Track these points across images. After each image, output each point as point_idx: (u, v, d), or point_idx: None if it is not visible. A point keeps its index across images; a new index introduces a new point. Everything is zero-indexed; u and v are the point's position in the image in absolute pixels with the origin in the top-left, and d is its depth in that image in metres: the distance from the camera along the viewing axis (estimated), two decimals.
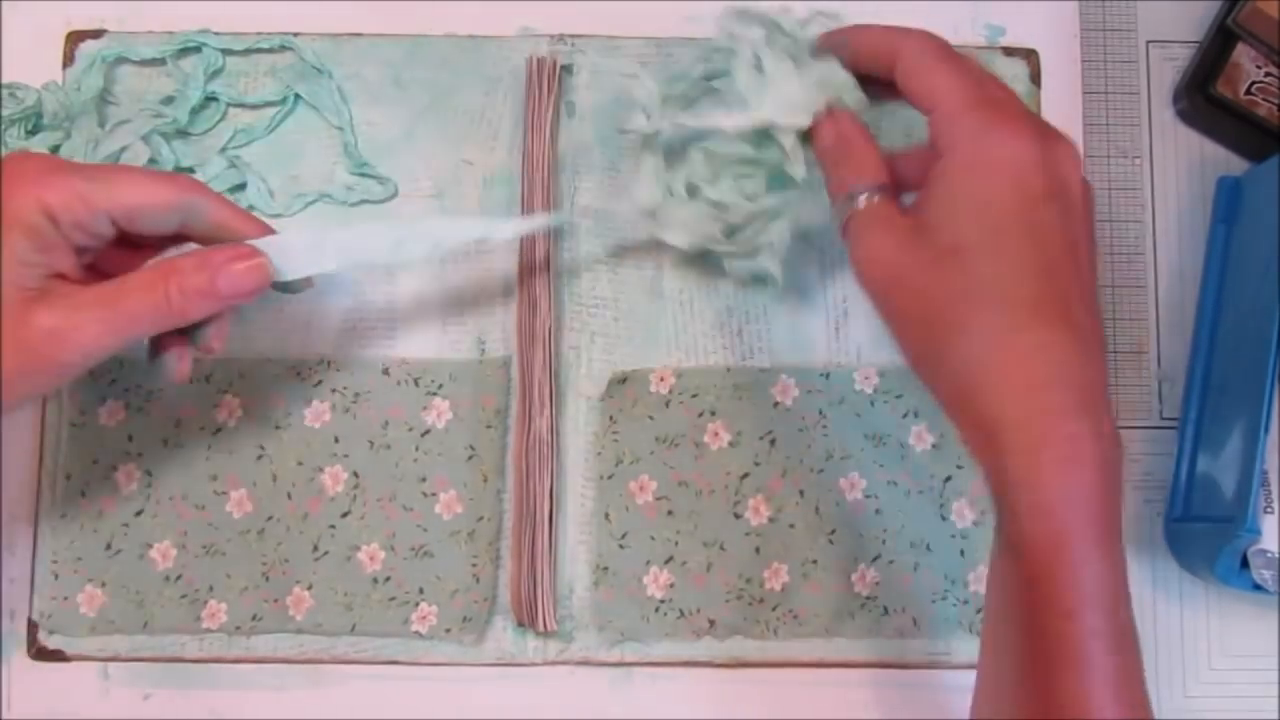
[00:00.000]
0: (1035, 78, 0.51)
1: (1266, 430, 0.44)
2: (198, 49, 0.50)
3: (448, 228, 0.45)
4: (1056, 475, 0.35)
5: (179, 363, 0.41)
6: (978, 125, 0.37)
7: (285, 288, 0.43)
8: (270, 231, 0.42)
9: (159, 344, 0.42)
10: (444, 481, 0.48)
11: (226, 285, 0.39)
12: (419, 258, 0.44)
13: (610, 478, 0.48)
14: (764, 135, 0.43)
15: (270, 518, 0.48)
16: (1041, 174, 0.37)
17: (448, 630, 0.47)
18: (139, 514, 0.48)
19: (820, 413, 0.49)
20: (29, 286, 0.37)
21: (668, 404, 0.49)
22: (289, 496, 0.48)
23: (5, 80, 0.49)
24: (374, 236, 0.43)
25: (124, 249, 0.41)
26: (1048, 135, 0.38)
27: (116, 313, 0.37)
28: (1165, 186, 0.52)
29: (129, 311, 0.38)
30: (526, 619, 0.47)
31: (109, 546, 0.47)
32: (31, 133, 0.48)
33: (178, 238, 0.41)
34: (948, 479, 0.49)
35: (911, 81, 0.39)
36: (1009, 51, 0.51)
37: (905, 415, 0.49)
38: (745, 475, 0.48)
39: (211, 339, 0.42)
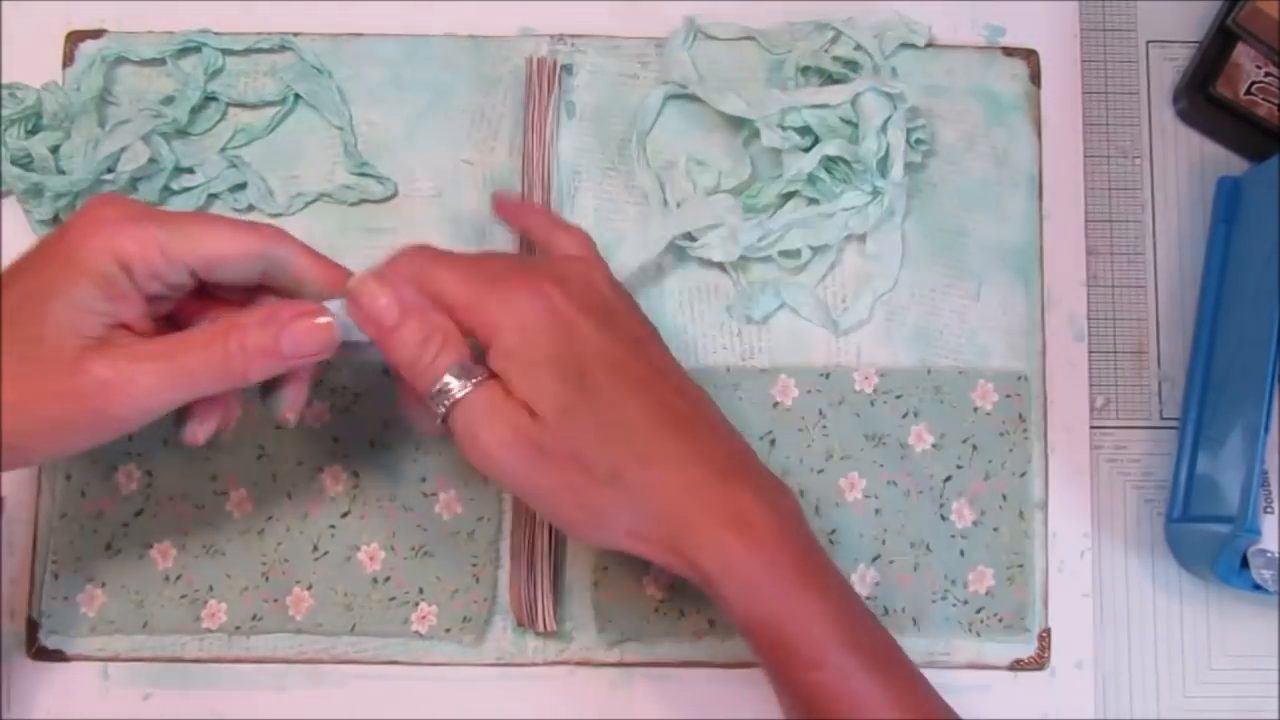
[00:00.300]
0: (1035, 78, 0.51)
1: (1266, 430, 0.44)
2: (198, 49, 0.50)
3: None
4: (742, 549, 0.37)
5: (200, 424, 0.39)
6: (496, 306, 0.38)
7: (269, 405, 0.40)
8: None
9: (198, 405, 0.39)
10: (444, 481, 0.48)
11: (290, 344, 0.37)
12: None
13: None
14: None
15: (270, 518, 0.48)
16: (574, 307, 0.38)
17: (448, 630, 0.47)
18: (139, 514, 0.48)
19: (820, 413, 0.49)
20: (90, 335, 0.35)
21: None
22: (289, 496, 0.48)
23: (5, 80, 0.49)
24: None
25: (204, 299, 0.39)
26: (557, 271, 0.40)
27: (174, 367, 0.35)
28: (1165, 186, 0.52)
29: (187, 367, 0.36)
30: (526, 619, 0.47)
31: (109, 546, 0.47)
32: (31, 133, 0.48)
33: (260, 288, 0.39)
34: (948, 479, 0.49)
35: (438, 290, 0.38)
36: (1009, 51, 0.51)
37: (905, 415, 0.49)
38: None
39: (285, 407, 0.40)
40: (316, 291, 0.38)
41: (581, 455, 0.37)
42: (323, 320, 0.37)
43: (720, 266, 0.49)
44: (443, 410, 0.37)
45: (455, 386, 0.37)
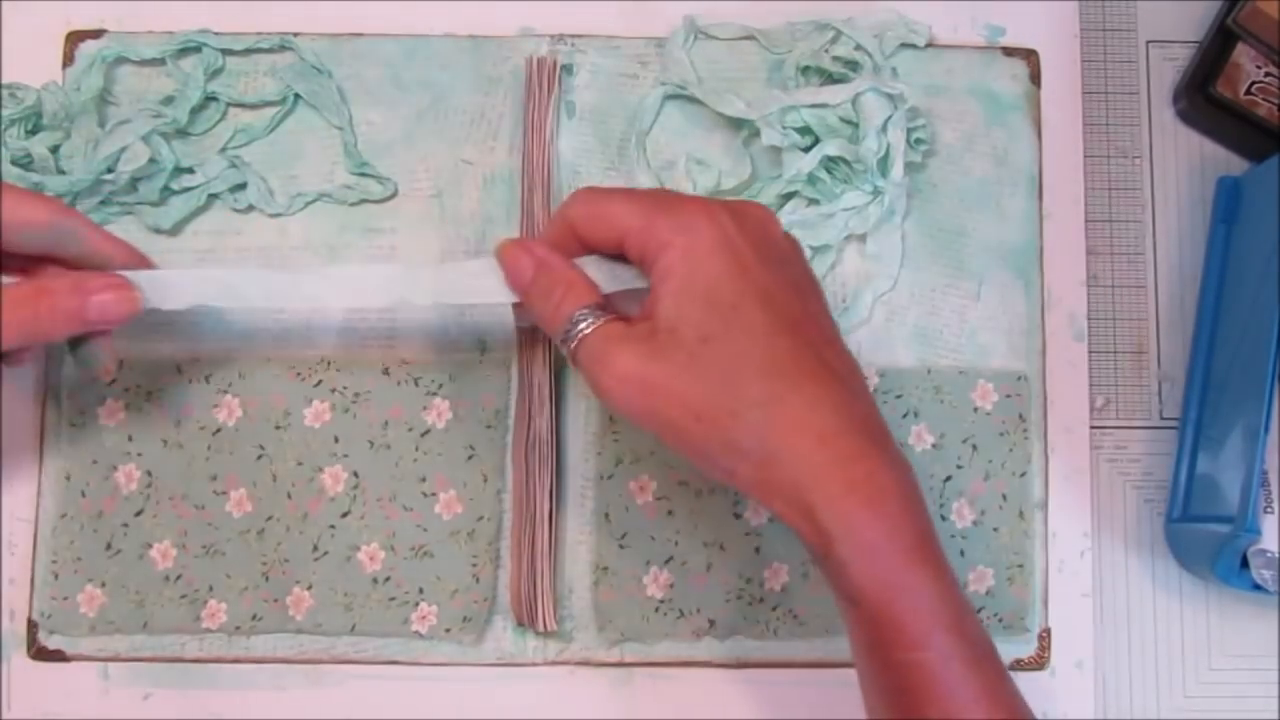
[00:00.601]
0: (1035, 78, 0.51)
1: (1266, 430, 0.44)
2: (198, 49, 0.50)
3: (343, 287, 0.43)
4: (868, 513, 0.36)
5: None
6: (669, 226, 0.38)
7: (82, 361, 0.43)
8: (145, 263, 0.43)
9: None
10: (444, 481, 0.48)
11: (96, 312, 0.41)
12: (324, 305, 0.44)
13: (610, 478, 0.48)
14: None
15: (270, 518, 0.48)
16: (746, 242, 0.38)
17: (448, 630, 0.47)
18: (139, 514, 0.48)
19: None
20: None
21: None
22: (289, 496, 0.48)
23: (5, 80, 0.49)
24: (255, 283, 0.43)
25: None
26: (734, 206, 0.39)
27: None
28: (1165, 186, 0.52)
29: (10, 336, 0.39)
30: (526, 619, 0.47)
31: (109, 546, 0.47)
32: (31, 133, 0.48)
33: (44, 259, 0.42)
34: (948, 479, 0.49)
35: (596, 232, 0.40)
36: (1009, 51, 0.51)
37: (905, 415, 0.49)
38: None
39: (103, 361, 0.44)
40: (108, 265, 0.42)
41: (712, 387, 0.37)
42: (128, 293, 0.41)
43: None
44: (568, 350, 0.39)
45: (580, 327, 0.39)
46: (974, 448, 0.49)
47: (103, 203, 0.49)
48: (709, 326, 0.37)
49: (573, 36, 0.51)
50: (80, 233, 0.41)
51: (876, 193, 0.49)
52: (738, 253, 0.38)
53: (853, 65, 0.50)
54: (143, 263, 0.43)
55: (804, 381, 0.37)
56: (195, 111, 0.50)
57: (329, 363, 0.49)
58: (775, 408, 0.36)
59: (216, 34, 0.50)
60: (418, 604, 0.47)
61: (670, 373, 0.37)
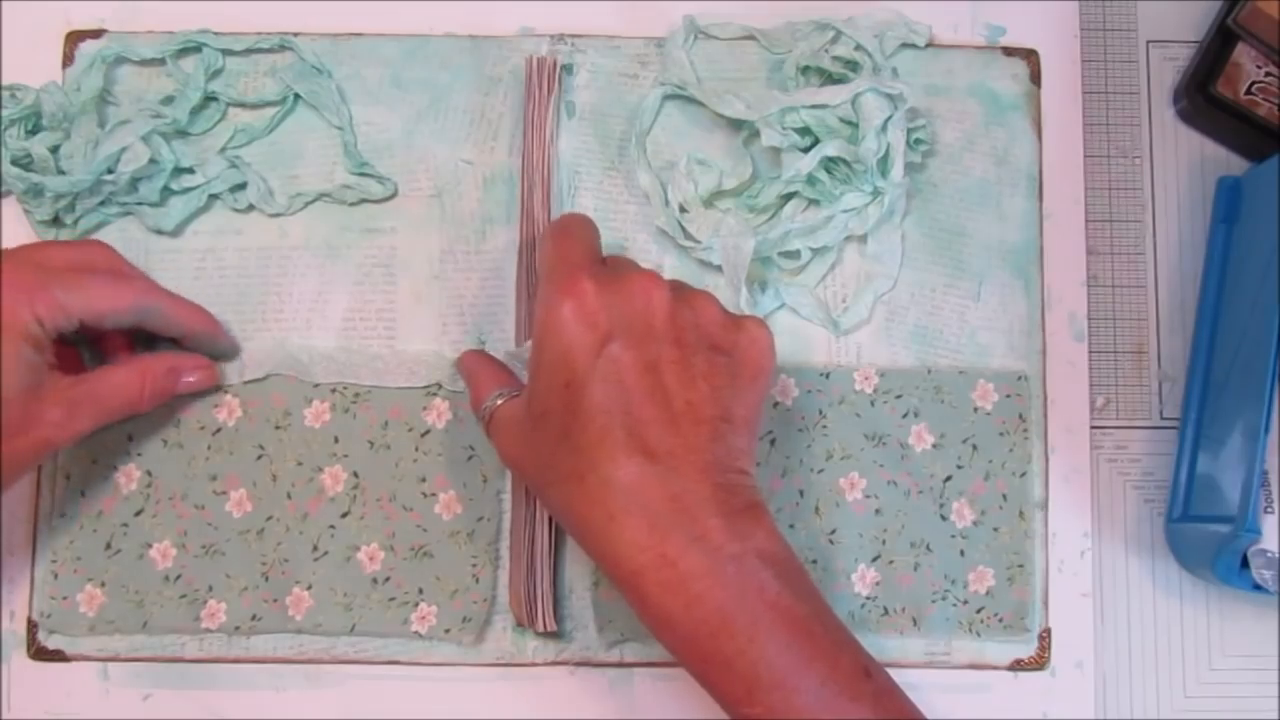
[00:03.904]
0: (1035, 78, 0.51)
1: (1266, 430, 0.44)
2: (198, 49, 0.50)
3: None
4: (663, 597, 0.38)
5: None
6: (546, 296, 0.40)
7: None
8: (214, 324, 0.48)
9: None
10: (444, 481, 0.48)
11: (185, 389, 0.47)
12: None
13: None
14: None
15: (270, 518, 0.48)
16: (593, 319, 0.39)
17: (447, 630, 0.47)
18: (139, 514, 0.48)
19: (820, 413, 0.49)
20: (31, 384, 0.42)
21: None
22: (289, 496, 0.48)
23: (5, 80, 0.49)
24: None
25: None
26: (600, 278, 0.40)
27: (103, 408, 0.45)
28: (1165, 186, 0.52)
29: (112, 406, 0.45)
30: (526, 619, 0.47)
31: (109, 546, 0.47)
32: (31, 133, 0.48)
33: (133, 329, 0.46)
34: (948, 479, 0.49)
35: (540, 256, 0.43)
36: (1009, 51, 0.51)
37: (905, 415, 0.49)
38: None
39: None
40: (185, 330, 0.47)
41: (542, 460, 0.41)
42: (210, 371, 0.48)
43: (721, 268, 0.49)
44: (483, 424, 0.45)
45: (486, 405, 0.44)
46: (974, 448, 0.49)
47: (103, 203, 0.49)
48: (547, 404, 0.40)
49: (573, 36, 0.51)
50: (161, 309, 0.46)
51: (876, 193, 0.49)
52: (578, 336, 0.39)
53: (853, 65, 0.50)
54: (212, 323, 0.48)
55: (601, 463, 0.39)
56: (195, 111, 0.50)
57: (329, 359, 0.49)
58: (574, 487, 0.39)
59: (216, 34, 0.50)
60: (417, 604, 0.47)
61: (528, 445, 0.41)
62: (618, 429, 0.39)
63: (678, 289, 0.41)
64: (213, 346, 0.48)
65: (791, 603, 0.38)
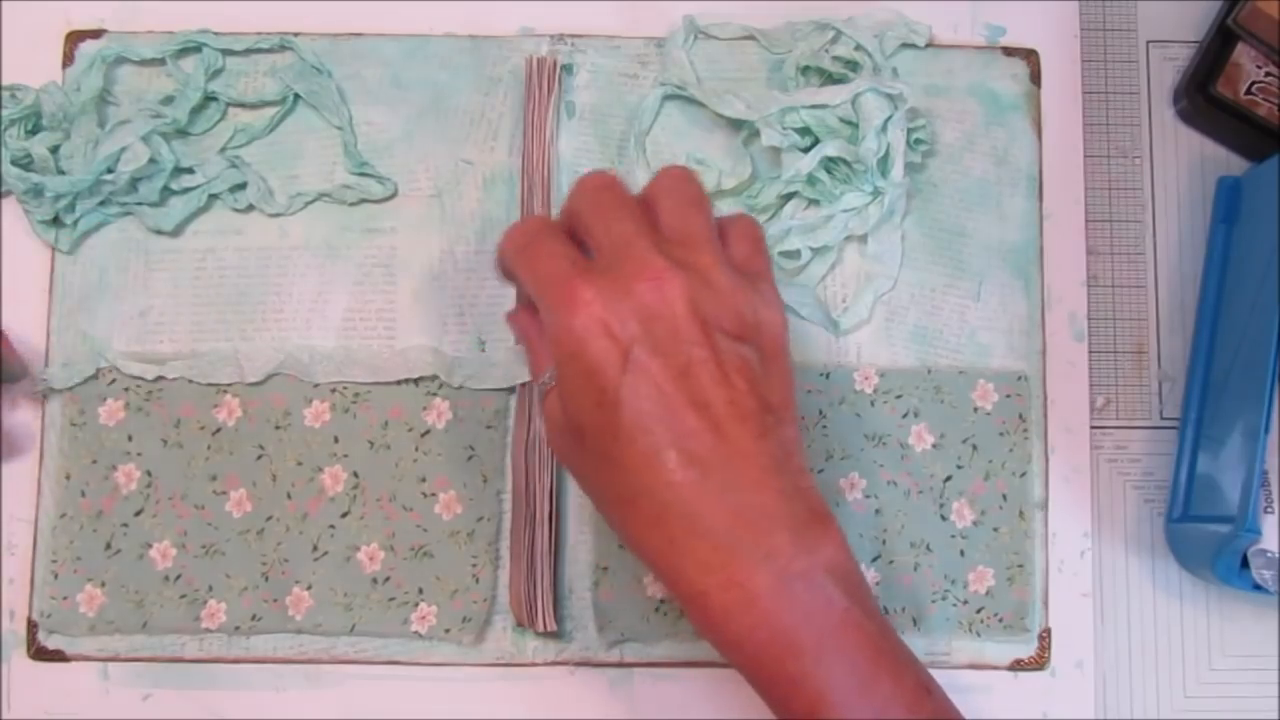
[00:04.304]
0: (1035, 78, 0.51)
1: (1266, 430, 0.44)
2: (198, 49, 0.50)
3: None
4: (729, 618, 0.36)
5: None
6: (550, 318, 0.37)
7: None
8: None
9: None
10: (444, 481, 0.48)
11: None
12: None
13: None
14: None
15: (270, 518, 0.48)
16: (608, 329, 0.36)
17: (447, 630, 0.47)
18: (139, 514, 0.48)
19: (820, 413, 0.49)
20: None
21: None
22: (289, 496, 0.48)
23: (5, 80, 0.49)
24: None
25: None
26: (599, 281, 0.37)
27: None
28: (1165, 186, 0.52)
29: None
30: (526, 619, 0.46)
31: (109, 546, 0.47)
32: (31, 133, 0.48)
33: None
34: (948, 479, 0.49)
35: (519, 274, 0.40)
36: (1009, 51, 0.51)
37: (905, 415, 0.49)
38: None
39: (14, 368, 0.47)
40: None
41: (588, 473, 0.39)
42: None
43: None
44: (540, 395, 0.42)
45: (546, 380, 0.40)
46: (974, 448, 0.49)
47: (103, 203, 0.49)
48: (582, 420, 0.37)
49: (573, 36, 0.51)
50: None
51: (876, 193, 0.49)
52: (601, 354, 0.36)
53: (853, 65, 0.50)
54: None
55: (648, 487, 0.36)
56: (195, 111, 0.50)
57: (329, 359, 0.49)
58: (631, 509, 0.37)
59: (216, 34, 0.50)
60: (417, 604, 0.47)
61: (567, 452, 0.39)
62: (664, 447, 0.36)
63: (687, 267, 0.37)
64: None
65: (860, 619, 0.37)
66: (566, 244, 0.39)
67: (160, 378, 0.48)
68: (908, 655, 0.38)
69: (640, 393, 0.36)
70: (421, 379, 0.48)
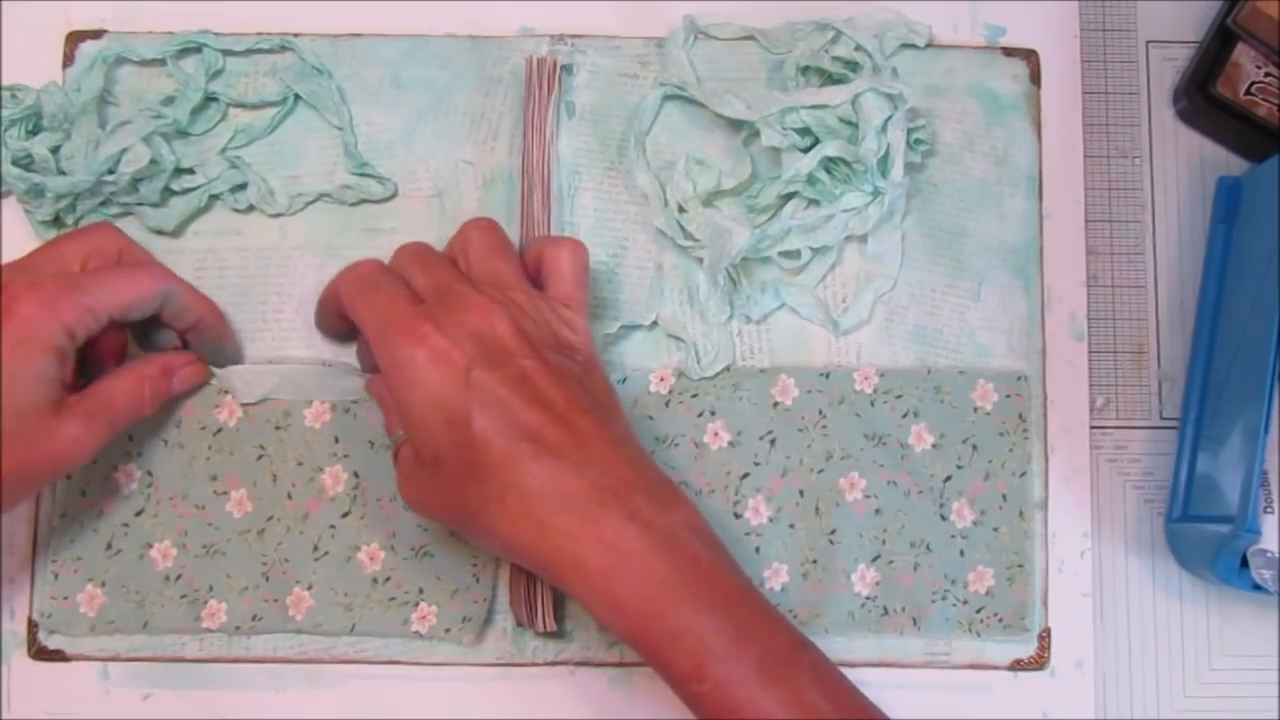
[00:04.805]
0: (1035, 78, 0.51)
1: (1266, 430, 0.44)
2: (198, 49, 0.50)
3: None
4: (607, 582, 0.39)
5: None
6: (393, 354, 0.41)
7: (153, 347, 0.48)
8: (217, 311, 0.47)
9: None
10: None
11: (179, 384, 0.47)
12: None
13: None
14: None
15: (270, 518, 0.48)
16: (448, 356, 0.40)
17: (447, 630, 0.47)
18: (139, 514, 0.48)
19: (820, 413, 0.49)
20: (51, 400, 0.42)
21: (667, 404, 0.49)
22: (289, 496, 0.48)
23: (5, 81, 0.49)
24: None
25: None
26: (435, 317, 0.41)
27: (113, 419, 0.44)
28: (1165, 186, 0.52)
29: (120, 417, 0.44)
30: (526, 619, 0.46)
31: (109, 546, 0.47)
32: (32, 133, 0.48)
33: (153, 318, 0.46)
34: (948, 479, 0.49)
35: (353, 320, 0.44)
36: (1009, 51, 0.51)
37: (905, 415, 0.49)
38: (745, 475, 0.48)
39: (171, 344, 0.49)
40: (197, 316, 0.46)
41: (450, 499, 0.41)
42: (201, 368, 0.47)
43: None
44: (393, 455, 0.45)
45: (398, 437, 0.44)
46: (974, 448, 0.49)
47: (103, 203, 0.49)
48: (440, 446, 0.40)
49: (573, 36, 0.51)
50: (179, 293, 0.45)
51: (876, 193, 0.49)
52: (438, 376, 0.40)
53: (853, 65, 0.50)
54: (219, 312, 0.48)
55: (523, 474, 0.39)
56: (195, 112, 0.50)
57: (329, 364, 0.49)
58: (500, 507, 0.40)
59: (217, 34, 0.50)
60: (418, 604, 0.47)
61: (427, 492, 0.42)
62: (518, 441, 0.40)
63: (504, 301, 0.42)
64: (218, 338, 0.48)
65: (725, 573, 0.40)
66: (404, 287, 0.43)
67: None
68: (775, 611, 0.41)
69: (486, 402, 0.40)
70: None
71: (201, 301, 0.47)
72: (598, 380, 0.44)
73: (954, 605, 0.48)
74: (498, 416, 0.40)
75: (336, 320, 0.46)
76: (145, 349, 0.48)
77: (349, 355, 0.49)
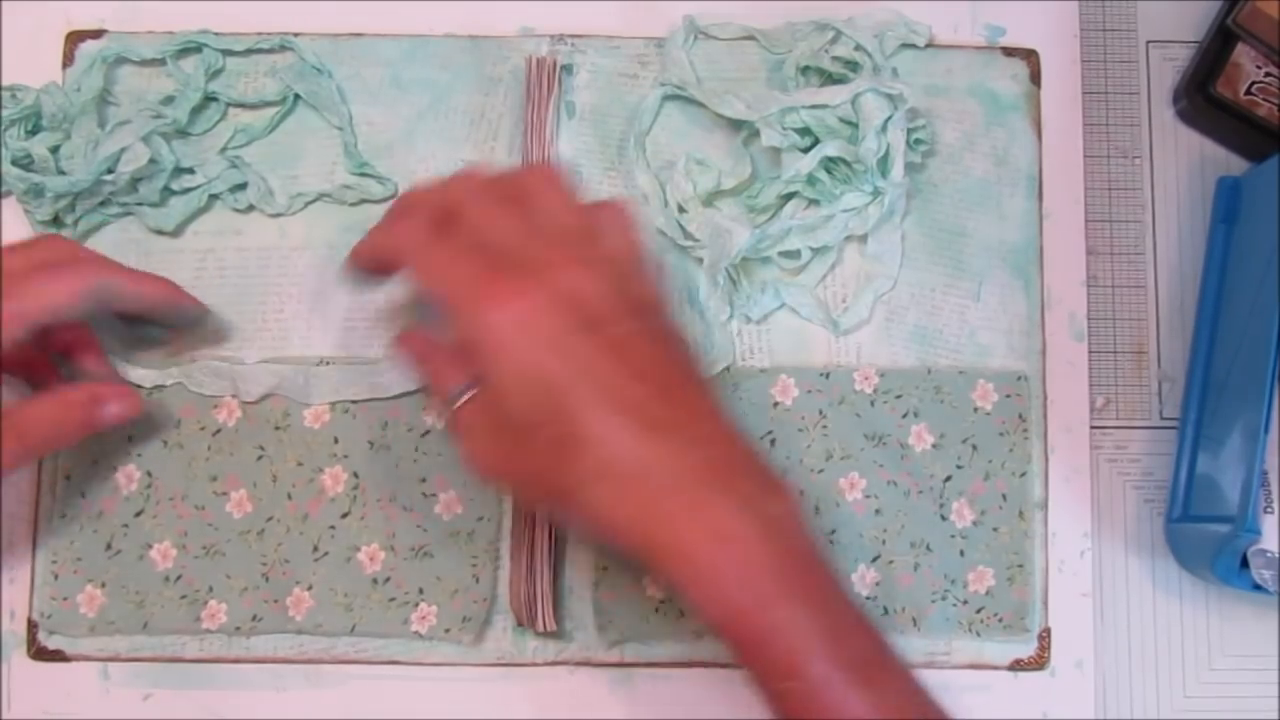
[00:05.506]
0: (1035, 78, 0.51)
1: (1266, 430, 0.44)
2: (198, 49, 0.50)
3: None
4: (708, 559, 0.36)
5: None
6: (471, 320, 0.37)
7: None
8: (178, 291, 0.46)
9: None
10: (444, 481, 0.48)
11: (107, 420, 0.45)
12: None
13: None
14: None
15: (270, 518, 0.48)
16: (539, 320, 0.37)
17: (447, 630, 0.47)
18: (139, 514, 0.48)
19: (820, 413, 0.49)
20: None
21: None
22: (289, 497, 0.48)
23: (5, 81, 0.49)
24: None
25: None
26: (516, 279, 0.37)
27: (26, 446, 0.42)
28: (1165, 186, 0.52)
29: (35, 445, 0.43)
30: (526, 619, 0.47)
31: (109, 546, 0.47)
32: (31, 133, 0.48)
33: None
34: (948, 479, 0.49)
35: (417, 278, 0.40)
36: (1009, 51, 0.51)
37: (905, 415, 0.49)
38: None
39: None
40: (148, 303, 0.45)
41: (544, 468, 0.38)
42: (131, 400, 0.45)
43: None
44: (446, 418, 0.42)
45: (455, 398, 0.40)
46: (974, 448, 0.49)
47: (103, 203, 0.49)
48: (528, 416, 0.37)
49: (573, 36, 0.51)
50: (114, 285, 0.43)
51: (876, 193, 0.49)
52: (543, 337, 0.37)
53: (853, 65, 0.50)
54: (175, 291, 0.46)
55: (622, 453, 0.36)
56: (195, 112, 0.50)
57: (329, 363, 0.49)
58: (600, 485, 0.37)
59: (216, 34, 0.50)
60: (418, 604, 0.47)
61: (506, 459, 0.39)
62: (624, 416, 0.37)
63: (590, 258, 0.39)
64: (180, 316, 0.47)
65: (823, 567, 0.38)
66: (474, 238, 0.39)
67: (159, 386, 0.48)
68: (864, 609, 0.39)
69: (587, 371, 0.37)
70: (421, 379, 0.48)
71: (152, 287, 0.45)
72: (687, 345, 0.41)
73: (954, 605, 0.48)
74: (601, 387, 0.37)
75: (376, 272, 0.43)
76: (134, 348, 0.48)
77: (348, 354, 0.49)
